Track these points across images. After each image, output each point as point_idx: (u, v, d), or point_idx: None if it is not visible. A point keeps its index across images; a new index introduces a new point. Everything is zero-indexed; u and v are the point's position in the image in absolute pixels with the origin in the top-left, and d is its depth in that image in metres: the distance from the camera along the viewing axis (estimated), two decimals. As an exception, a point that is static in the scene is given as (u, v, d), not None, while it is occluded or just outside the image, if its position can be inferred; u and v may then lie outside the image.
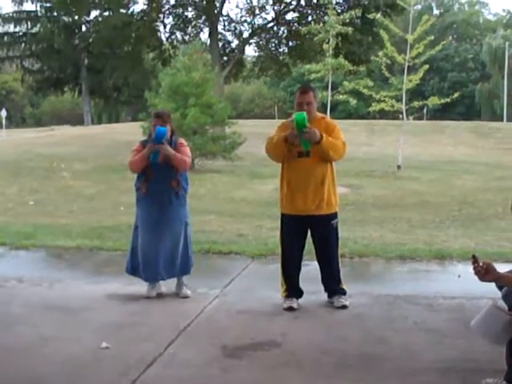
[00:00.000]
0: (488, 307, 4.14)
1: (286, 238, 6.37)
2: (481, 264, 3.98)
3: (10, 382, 4.46)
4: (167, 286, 6.82)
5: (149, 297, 6.61)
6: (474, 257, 4.00)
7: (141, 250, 6.64)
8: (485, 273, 3.98)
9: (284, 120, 6.83)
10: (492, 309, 4.11)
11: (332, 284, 6.36)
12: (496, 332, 4.09)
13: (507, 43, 64.43)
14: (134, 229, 6.82)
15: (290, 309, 6.16)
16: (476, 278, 4.01)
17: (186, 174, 6.80)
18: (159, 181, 6.53)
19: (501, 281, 4.20)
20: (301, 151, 6.09)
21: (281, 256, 6.45)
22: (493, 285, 4.40)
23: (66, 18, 50.77)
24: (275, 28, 36.71)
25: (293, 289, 6.33)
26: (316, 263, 6.46)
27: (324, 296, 6.41)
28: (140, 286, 6.75)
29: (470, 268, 3.99)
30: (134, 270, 6.78)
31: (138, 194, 6.72)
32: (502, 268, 4.26)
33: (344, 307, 6.19)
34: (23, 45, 53.46)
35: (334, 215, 6.30)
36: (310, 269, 6.68)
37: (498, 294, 4.45)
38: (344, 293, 6.32)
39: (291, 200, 6.22)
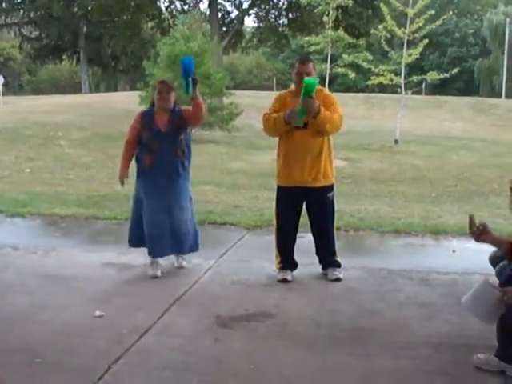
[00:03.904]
0: (479, 283, 4.11)
1: (281, 210, 6.35)
2: (477, 225, 3.98)
3: (4, 350, 4.47)
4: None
5: (155, 276, 6.28)
6: (470, 217, 4.01)
7: (149, 225, 6.31)
8: (480, 233, 3.98)
9: (281, 91, 6.78)
10: (483, 285, 4.08)
11: (326, 256, 6.37)
12: (487, 309, 4.05)
13: (508, 19, 64.00)
14: (134, 201, 6.50)
15: (284, 281, 6.17)
16: (472, 238, 4.02)
17: (190, 142, 6.46)
18: (164, 151, 6.21)
19: (494, 243, 4.21)
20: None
21: (276, 228, 6.43)
22: (486, 261, 4.42)
23: (64, -15, 50.30)
24: (275, -1, 36.51)
25: (287, 261, 6.34)
26: (311, 235, 6.46)
27: (318, 268, 6.42)
28: (135, 256, 6.75)
29: (465, 244, 4.01)
30: (138, 241, 6.49)
31: (140, 166, 6.37)
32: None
33: (338, 280, 6.21)
34: (22, 11, 52.82)
35: (331, 188, 6.28)
36: (305, 241, 6.68)
37: (492, 270, 4.47)
38: (338, 265, 6.33)
39: (288, 172, 6.19)
